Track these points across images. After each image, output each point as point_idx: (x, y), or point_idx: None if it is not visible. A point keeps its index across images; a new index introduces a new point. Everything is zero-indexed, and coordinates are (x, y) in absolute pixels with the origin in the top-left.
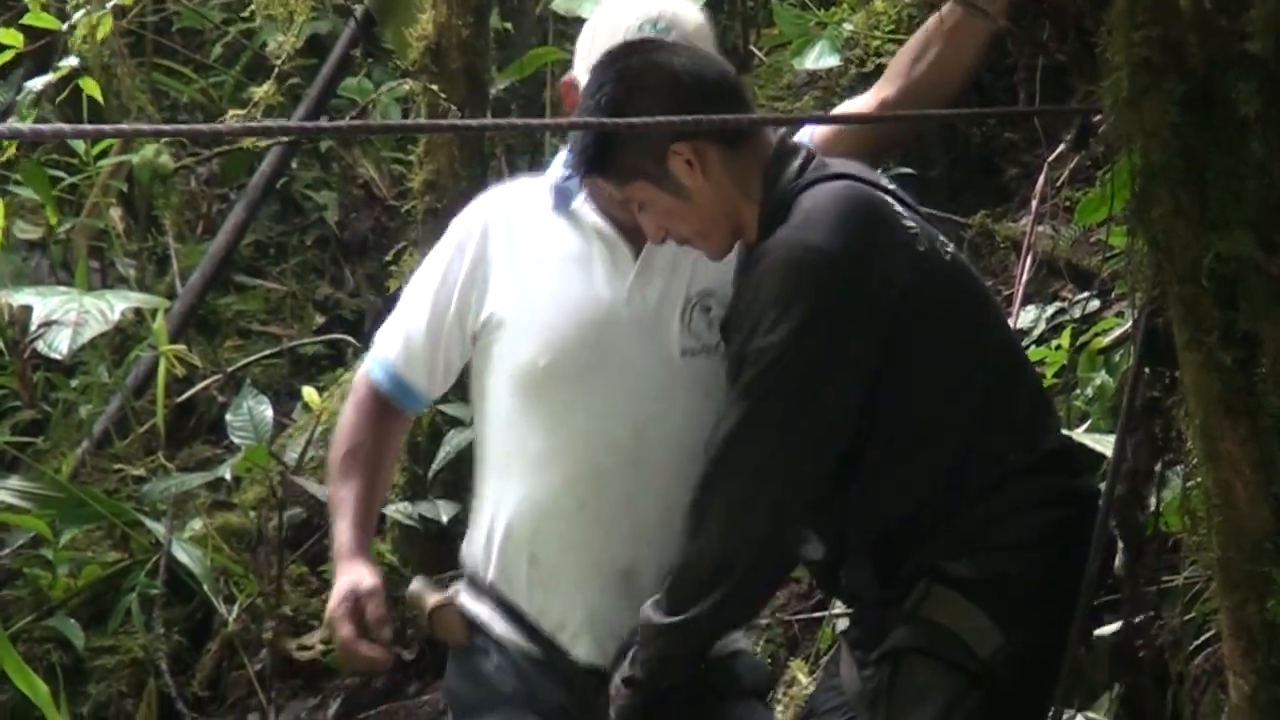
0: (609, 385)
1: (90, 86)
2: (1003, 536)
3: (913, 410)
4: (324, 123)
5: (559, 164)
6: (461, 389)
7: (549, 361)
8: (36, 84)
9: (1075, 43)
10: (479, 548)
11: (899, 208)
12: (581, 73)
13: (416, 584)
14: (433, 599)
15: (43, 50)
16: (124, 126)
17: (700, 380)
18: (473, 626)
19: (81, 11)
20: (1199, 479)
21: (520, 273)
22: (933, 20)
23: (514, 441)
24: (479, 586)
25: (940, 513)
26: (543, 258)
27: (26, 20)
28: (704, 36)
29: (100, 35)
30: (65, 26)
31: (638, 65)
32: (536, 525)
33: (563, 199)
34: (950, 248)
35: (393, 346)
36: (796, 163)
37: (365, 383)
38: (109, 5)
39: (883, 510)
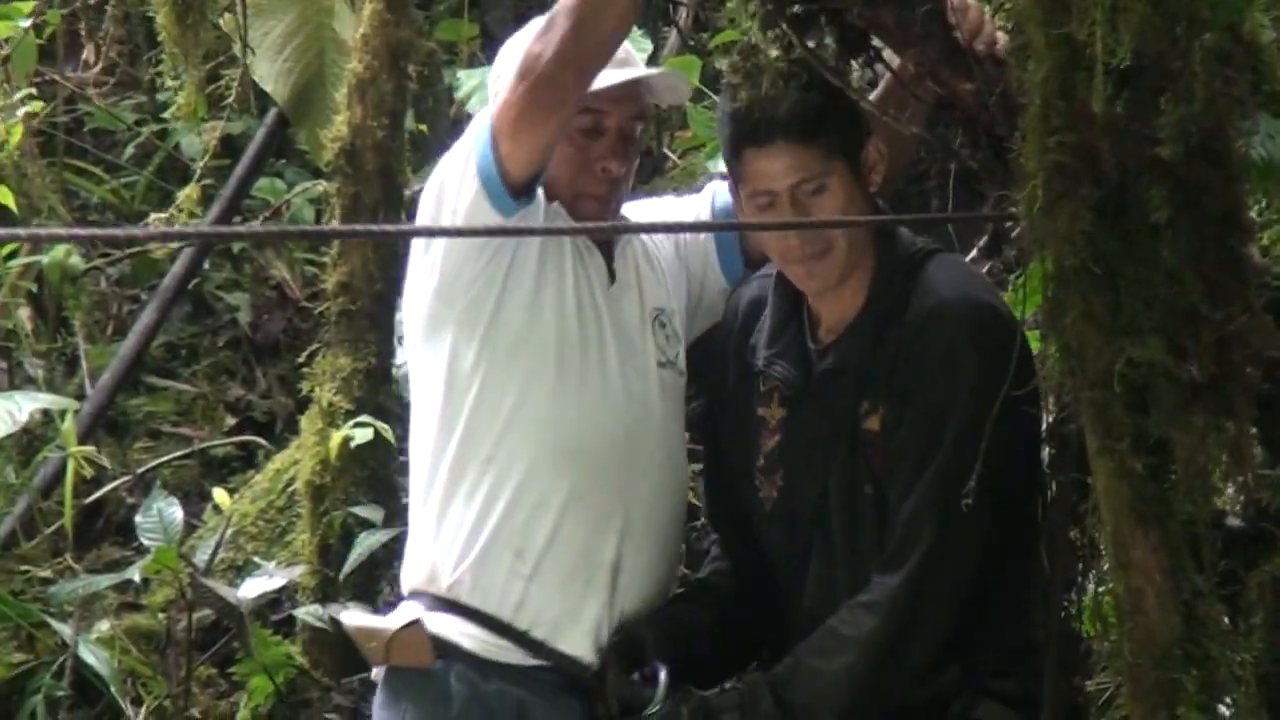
0: (606, 384)
1: (4, 195)
2: (1029, 665)
3: (1014, 507)
4: (237, 227)
5: None
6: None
7: (561, 345)
8: None
9: (988, 149)
10: (447, 550)
11: None
12: None
13: (354, 617)
14: (393, 623)
15: None
16: (39, 231)
17: (669, 391)
18: (435, 646)
19: None
20: (1111, 585)
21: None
22: None
23: (509, 430)
24: (435, 598)
25: (995, 619)
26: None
27: None
28: None
29: (13, 143)
30: None
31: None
32: (528, 517)
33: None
34: None
35: None
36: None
37: None
38: (19, 113)
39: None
